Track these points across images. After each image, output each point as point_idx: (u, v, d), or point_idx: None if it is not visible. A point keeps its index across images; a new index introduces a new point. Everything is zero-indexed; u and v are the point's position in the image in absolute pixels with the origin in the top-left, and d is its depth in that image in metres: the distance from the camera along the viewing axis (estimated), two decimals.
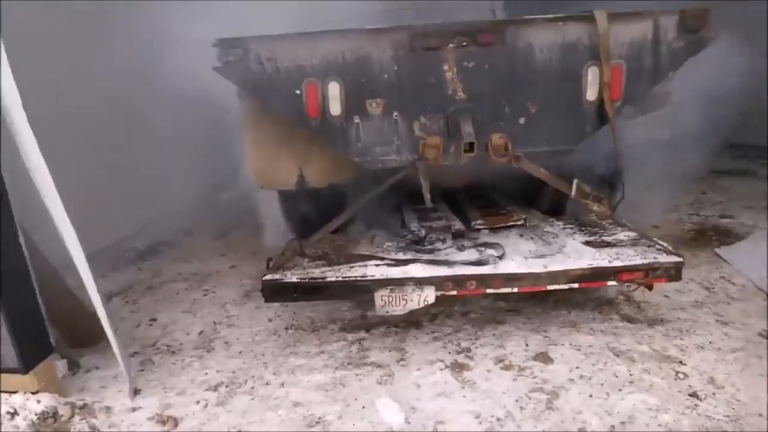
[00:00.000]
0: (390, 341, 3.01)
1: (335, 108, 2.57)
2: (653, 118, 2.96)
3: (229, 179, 5.71)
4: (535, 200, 3.54)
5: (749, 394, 2.35)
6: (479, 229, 3.09)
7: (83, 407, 2.54)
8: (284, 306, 3.58)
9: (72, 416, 2.46)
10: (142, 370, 2.88)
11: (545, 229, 3.14)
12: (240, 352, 3.03)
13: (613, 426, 2.21)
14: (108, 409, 2.54)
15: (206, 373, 2.83)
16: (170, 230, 5.29)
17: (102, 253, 4.38)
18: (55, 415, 2.43)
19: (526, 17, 2.58)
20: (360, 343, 3.01)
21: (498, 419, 2.31)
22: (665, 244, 2.83)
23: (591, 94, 2.56)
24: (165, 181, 5.04)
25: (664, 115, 3.00)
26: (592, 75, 2.55)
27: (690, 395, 2.37)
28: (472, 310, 3.30)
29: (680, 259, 2.65)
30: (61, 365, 2.68)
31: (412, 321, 3.20)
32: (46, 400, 2.45)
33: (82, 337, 3.07)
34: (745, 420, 2.20)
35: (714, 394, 2.37)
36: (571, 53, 2.57)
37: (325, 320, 3.32)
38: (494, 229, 3.08)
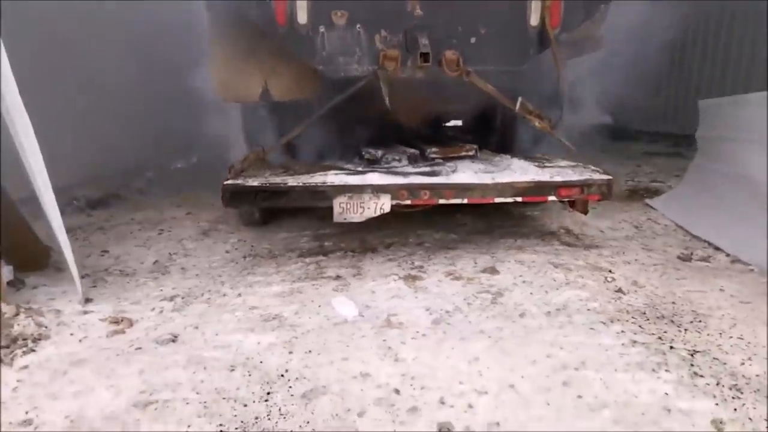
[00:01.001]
0: (347, 262, 3.12)
1: (302, 16, 2.70)
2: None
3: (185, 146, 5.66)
4: (485, 142, 3.78)
5: (665, 290, 2.66)
6: (433, 158, 3.27)
7: (29, 309, 2.46)
8: (242, 241, 3.62)
9: (17, 314, 2.37)
10: (95, 286, 2.83)
11: (494, 159, 3.37)
12: (196, 275, 3.03)
13: (549, 312, 2.43)
14: (58, 311, 2.48)
15: (161, 290, 2.81)
16: (123, 186, 5.17)
17: None
18: None
19: None
20: (318, 263, 3.10)
21: (447, 311, 2.46)
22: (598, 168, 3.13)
23: (534, 19, 2.82)
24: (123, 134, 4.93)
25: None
26: (535, 2, 2.81)
27: (616, 291, 2.65)
28: (425, 241, 3.47)
29: (611, 177, 2.94)
30: (6, 270, 2.59)
31: (368, 247, 3.33)
32: None
33: (31, 262, 2.97)
34: (661, 305, 2.50)
35: (636, 290, 2.67)
36: None
37: (283, 250, 3.39)
38: (447, 159, 3.28)
